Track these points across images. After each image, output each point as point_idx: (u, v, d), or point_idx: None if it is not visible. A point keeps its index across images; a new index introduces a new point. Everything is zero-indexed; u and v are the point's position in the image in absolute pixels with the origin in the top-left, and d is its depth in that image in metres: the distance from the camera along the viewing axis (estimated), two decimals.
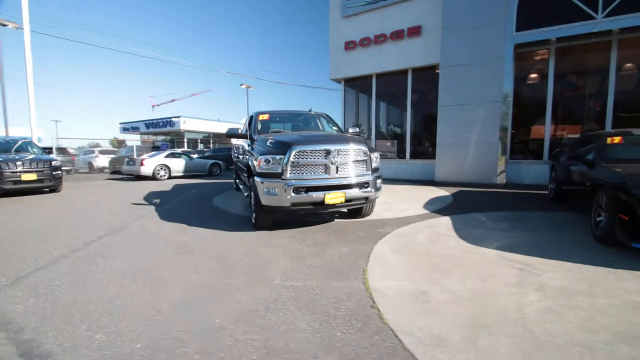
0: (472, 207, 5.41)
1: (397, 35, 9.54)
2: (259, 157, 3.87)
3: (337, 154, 3.88)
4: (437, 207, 5.46)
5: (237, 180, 7.16)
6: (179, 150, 15.06)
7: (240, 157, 5.88)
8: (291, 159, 3.73)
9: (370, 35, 9.99)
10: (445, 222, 4.46)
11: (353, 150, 3.98)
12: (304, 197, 3.75)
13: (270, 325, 1.95)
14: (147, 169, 11.55)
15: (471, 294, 2.32)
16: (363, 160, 4.08)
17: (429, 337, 1.79)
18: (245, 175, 5.17)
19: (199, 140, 38.01)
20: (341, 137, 4.27)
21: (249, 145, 4.88)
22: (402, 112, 10.58)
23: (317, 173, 3.84)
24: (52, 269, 2.91)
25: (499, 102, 7.78)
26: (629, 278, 2.57)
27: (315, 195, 3.77)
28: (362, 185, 4.01)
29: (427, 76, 9.58)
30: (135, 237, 3.92)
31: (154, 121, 35.01)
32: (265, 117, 5.23)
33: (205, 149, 26.69)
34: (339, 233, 3.99)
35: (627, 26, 6.54)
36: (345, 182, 3.90)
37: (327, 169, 3.85)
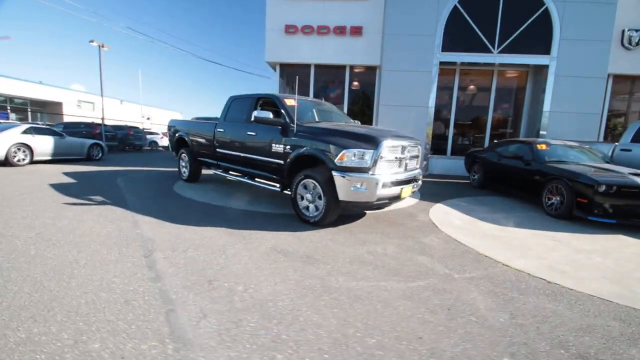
0: (438, 195, 6.53)
1: (341, 30, 9.91)
2: (344, 151, 3.55)
3: (409, 150, 4.03)
4: (418, 197, 6.30)
5: (216, 169, 5.88)
6: (42, 125, 10.59)
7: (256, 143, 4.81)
8: (381, 153, 3.62)
9: (314, 25, 9.94)
10: (440, 207, 5.31)
11: (417, 147, 4.23)
12: (388, 191, 3.72)
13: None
14: None
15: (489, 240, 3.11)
16: (417, 156, 4.38)
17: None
18: (270, 166, 4.49)
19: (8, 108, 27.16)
20: (408, 135, 4.37)
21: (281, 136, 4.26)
22: (338, 106, 11.12)
23: (395, 167, 3.87)
24: None
25: (427, 107, 9.45)
26: (602, 235, 3.99)
27: (395, 190, 3.82)
28: (419, 179, 4.32)
29: (365, 75, 10.44)
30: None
31: None
32: (293, 102, 4.66)
33: (44, 123, 19.39)
34: (384, 222, 4.18)
35: (510, 62, 9.24)
36: (412, 176, 4.11)
37: (401, 163, 3.95)
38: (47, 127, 10.65)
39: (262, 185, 4.87)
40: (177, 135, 6.77)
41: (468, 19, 9.10)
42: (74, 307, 1.87)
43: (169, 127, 7.28)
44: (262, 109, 4.66)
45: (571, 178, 4.89)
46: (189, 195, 5.42)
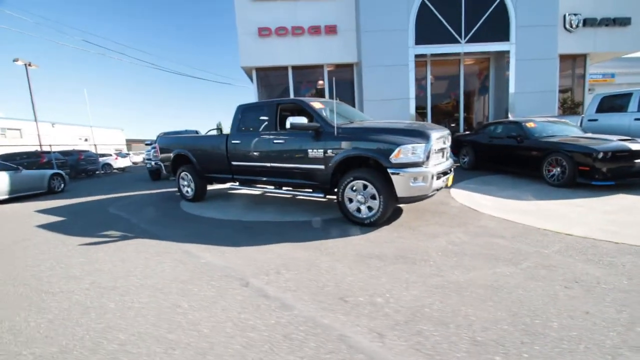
0: None
1: (315, 30, 9.87)
2: (400, 148, 3.55)
3: (447, 140, 4.17)
4: None
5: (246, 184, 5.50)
6: None
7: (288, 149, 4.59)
8: (432, 146, 3.70)
9: (288, 26, 9.78)
10: (458, 191, 5.54)
11: (449, 137, 4.38)
12: (439, 182, 3.82)
13: None
14: None
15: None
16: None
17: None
18: (298, 172, 4.36)
19: None
20: (437, 126, 4.47)
21: (311, 137, 4.16)
22: None
23: (439, 158, 3.98)
24: None
25: (408, 98, 9.82)
26: (608, 196, 4.51)
27: (443, 180, 3.92)
28: (453, 167, 4.48)
29: (343, 73, 10.53)
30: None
31: None
32: (321, 105, 4.55)
33: None
34: (426, 213, 4.31)
35: (477, 50, 9.96)
36: (451, 164, 4.25)
37: (443, 154, 4.08)
38: None
39: (302, 194, 4.71)
40: (174, 152, 6.24)
41: (436, 12, 9.63)
42: (242, 357, 1.65)
43: (160, 145, 6.68)
44: (293, 115, 4.50)
45: (571, 150, 5.43)
46: (209, 214, 5.05)
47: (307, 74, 10.67)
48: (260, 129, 4.91)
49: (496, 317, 1.86)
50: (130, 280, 2.68)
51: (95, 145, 16.73)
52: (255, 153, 4.89)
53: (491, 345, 1.62)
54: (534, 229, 3.46)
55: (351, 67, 10.51)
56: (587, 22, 10.37)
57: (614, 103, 7.03)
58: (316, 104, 4.49)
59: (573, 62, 11.33)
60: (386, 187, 3.69)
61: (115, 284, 2.64)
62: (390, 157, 3.59)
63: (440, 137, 3.92)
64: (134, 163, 25.46)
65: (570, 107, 11.26)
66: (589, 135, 6.10)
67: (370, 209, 3.86)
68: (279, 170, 4.66)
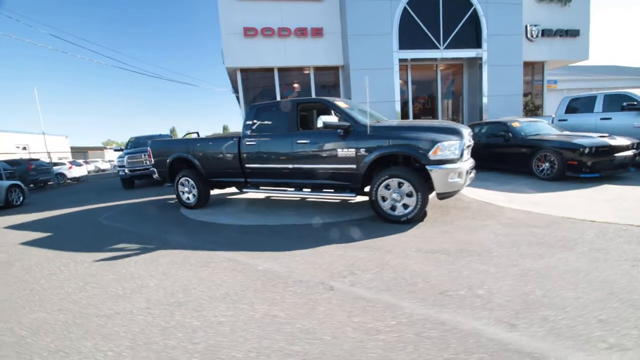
0: None
1: (302, 32, 9.82)
2: (438, 145, 3.64)
3: (471, 138, 4.37)
4: None
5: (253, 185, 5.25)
6: None
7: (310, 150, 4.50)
8: (466, 143, 3.84)
9: (274, 27, 9.61)
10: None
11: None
12: (469, 178, 3.99)
13: None
14: None
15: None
16: None
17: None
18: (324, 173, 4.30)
19: None
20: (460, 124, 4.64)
21: (338, 137, 4.13)
22: None
23: (467, 155, 4.15)
24: None
25: (394, 101, 10.14)
26: (596, 187, 5.05)
27: (472, 175, 4.10)
28: None
29: (328, 75, 10.57)
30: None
31: None
32: (345, 104, 4.52)
33: None
34: (451, 209, 4.50)
35: (454, 56, 10.58)
36: (473, 163, 4.45)
37: (470, 150, 4.26)
38: None
39: (333, 196, 4.62)
40: (172, 157, 5.79)
41: (417, 19, 10.08)
42: None
43: (153, 150, 6.16)
44: (311, 115, 4.41)
45: (559, 146, 5.97)
46: (223, 221, 4.77)
47: (292, 76, 10.57)
48: (278, 129, 4.75)
49: (599, 297, 1.98)
50: (194, 294, 2.43)
51: (49, 152, 14.97)
52: (275, 154, 4.72)
53: (617, 322, 1.72)
54: (560, 217, 3.74)
55: (336, 69, 10.61)
56: (545, 33, 11.56)
57: (579, 105, 7.87)
58: (341, 103, 4.46)
59: (532, 69, 12.53)
60: (423, 184, 3.76)
61: (178, 299, 2.38)
62: (429, 154, 3.68)
63: (469, 135, 4.10)
64: (90, 172, 23.24)
65: (531, 109, 12.40)
66: (573, 133, 6.75)
67: (405, 206, 3.90)
68: (303, 171, 4.54)
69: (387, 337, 1.73)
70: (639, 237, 2.93)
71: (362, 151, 4.05)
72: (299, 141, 4.48)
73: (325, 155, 4.31)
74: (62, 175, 17.04)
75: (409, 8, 9.97)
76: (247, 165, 4.99)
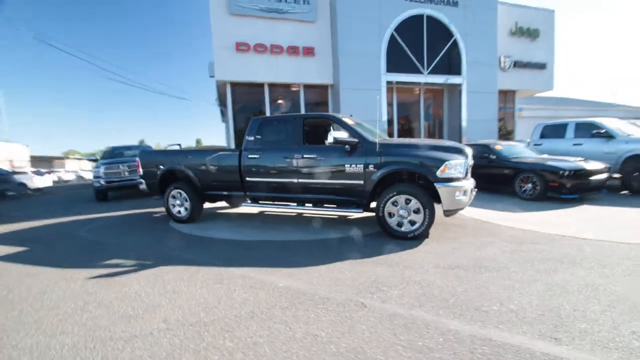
0: None
1: (294, 50, 9.99)
2: (447, 163, 3.76)
3: (472, 157, 4.56)
4: None
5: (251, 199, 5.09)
6: None
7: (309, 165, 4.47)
8: (470, 162, 4.00)
9: (267, 44, 9.70)
10: None
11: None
12: (472, 195, 4.14)
13: None
14: None
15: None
16: None
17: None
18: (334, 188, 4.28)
19: None
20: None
21: (345, 153, 4.17)
22: None
23: (469, 174, 4.32)
24: None
25: (381, 121, 10.44)
26: (576, 207, 5.43)
27: (474, 194, 4.26)
28: None
29: (317, 94, 10.75)
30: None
31: None
32: (352, 121, 4.58)
33: None
34: (451, 227, 4.64)
35: (437, 82, 11.18)
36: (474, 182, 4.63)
37: (470, 170, 4.44)
38: None
39: (336, 211, 4.58)
40: (164, 168, 5.53)
41: (403, 45, 10.62)
42: None
43: (142, 161, 5.86)
44: (315, 131, 4.44)
45: (542, 169, 6.38)
46: (220, 235, 4.59)
47: (282, 92, 10.64)
48: (283, 143, 4.71)
49: (624, 310, 2.08)
50: (217, 313, 2.27)
51: (11, 160, 13.79)
52: (279, 168, 4.65)
53: None
54: (555, 235, 3.95)
55: (326, 88, 10.83)
56: (517, 64, 12.58)
57: (552, 131, 8.53)
58: (349, 120, 4.53)
59: (505, 97, 13.49)
60: (431, 201, 3.85)
61: (200, 318, 2.21)
62: (437, 171, 3.79)
63: (471, 154, 4.28)
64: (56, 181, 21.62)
65: (504, 134, 13.25)
66: (552, 157, 7.23)
67: (412, 222, 3.95)
68: (308, 186, 4.50)
69: (442, 355, 1.70)
70: (636, 253, 3.14)
71: (371, 167, 4.09)
72: (305, 155, 4.46)
73: (332, 170, 4.31)
74: (23, 185, 15.69)
75: (395, 34, 10.50)
76: (247, 179, 4.87)
